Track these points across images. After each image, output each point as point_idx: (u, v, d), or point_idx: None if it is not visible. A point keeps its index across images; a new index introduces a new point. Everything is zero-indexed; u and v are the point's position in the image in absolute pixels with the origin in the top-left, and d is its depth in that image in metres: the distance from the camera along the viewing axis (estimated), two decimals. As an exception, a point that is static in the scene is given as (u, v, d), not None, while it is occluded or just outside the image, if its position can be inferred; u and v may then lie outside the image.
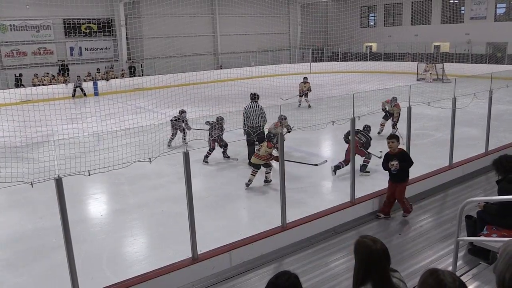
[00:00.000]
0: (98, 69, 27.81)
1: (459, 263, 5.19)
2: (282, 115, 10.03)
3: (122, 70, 28.84)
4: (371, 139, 9.74)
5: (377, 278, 2.55)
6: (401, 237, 6.32)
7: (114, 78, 27.43)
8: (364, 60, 32.84)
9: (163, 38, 30.00)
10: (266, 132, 10.05)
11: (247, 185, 8.77)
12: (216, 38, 34.02)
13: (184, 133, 11.95)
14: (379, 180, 8.30)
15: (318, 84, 21.43)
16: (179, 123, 11.84)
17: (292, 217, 6.41)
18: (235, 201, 8.18)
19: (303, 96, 18.41)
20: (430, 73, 26.52)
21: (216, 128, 10.54)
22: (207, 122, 10.93)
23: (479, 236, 5.20)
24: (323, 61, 34.69)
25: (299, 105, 18.33)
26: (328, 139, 12.96)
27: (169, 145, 11.75)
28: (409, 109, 7.78)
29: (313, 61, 34.37)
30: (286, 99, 17.38)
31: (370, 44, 37.03)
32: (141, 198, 8.55)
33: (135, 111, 17.28)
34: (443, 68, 26.67)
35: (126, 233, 7.04)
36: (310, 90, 18.50)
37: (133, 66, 29.60)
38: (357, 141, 9.16)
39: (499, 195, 5.11)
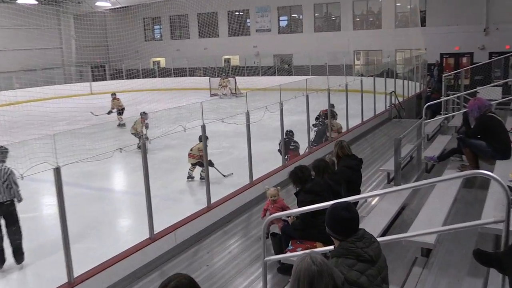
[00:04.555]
0: None
1: (269, 285, 5.50)
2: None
3: None
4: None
5: None
6: (209, 269, 6.42)
7: None
8: (152, 77, 33.26)
9: None
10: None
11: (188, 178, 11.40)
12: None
13: None
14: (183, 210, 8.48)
15: (102, 106, 20.76)
16: None
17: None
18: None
19: (117, 114, 19.19)
20: (229, 88, 28.39)
21: None
22: None
23: (286, 252, 5.58)
24: (106, 80, 33.89)
25: (119, 124, 18.83)
26: (119, 169, 12.69)
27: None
28: (203, 127, 8.06)
29: (93, 80, 33.26)
30: (97, 114, 16.55)
31: (157, 59, 37.75)
32: None
33: None
34: (235, 82, 28.79)
35: None
36: (123, 107, 19.59)
37: None
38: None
39: (298, 207, 5.58)
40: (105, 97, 20.92)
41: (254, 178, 9.23)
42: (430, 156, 8.42)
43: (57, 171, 5.71)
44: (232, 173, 11.86)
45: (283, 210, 6.25)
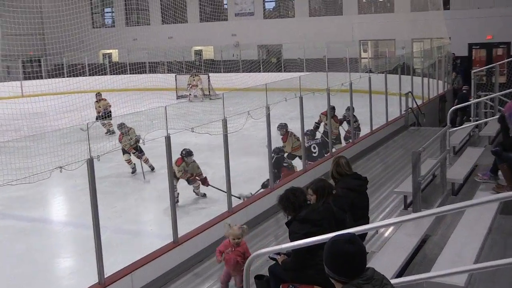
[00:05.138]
0: None
1: None
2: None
3: None
4: None
5: None
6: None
7: None
8: (102, 74, 33.14)
9: None
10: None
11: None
12: None
13: None
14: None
15: (37, 112, 20.60)
16: None
17: None
18: None
19: (103, 119, 20.14)
20: (201, 88, 28.47)
21: None
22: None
23: (275, 300, 5.57)
24: (42, 78, 33.67)
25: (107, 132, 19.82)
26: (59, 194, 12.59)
27: None
28: (168, 138, 8.06)
29: (25, 78, 33.01)
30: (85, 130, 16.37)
31: (108, 51, 37.70)
32: None
33: None
34: (208, 80, 28.85)
35: None
36: (109, 108, 20.95)
37: None
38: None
39: (290, 240, 5.56)
40: (39, 100, 20.79)
41: (234, 205, 9.22)
42: (484, 173, 8.37)
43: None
44: (251, 194, 11.60)
45: (244, 258, 6.21)
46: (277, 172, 11.63)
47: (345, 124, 15.28)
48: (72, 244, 10.55)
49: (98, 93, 22.11)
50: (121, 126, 14.47)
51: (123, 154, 14.70)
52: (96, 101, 21.77)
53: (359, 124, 15.23)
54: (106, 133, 19.63)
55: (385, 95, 15.72)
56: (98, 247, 6.75)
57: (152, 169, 14.79)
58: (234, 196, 11.11)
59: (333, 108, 13.43)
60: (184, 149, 12.32)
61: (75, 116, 19.02)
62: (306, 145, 12.91)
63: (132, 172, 14.87)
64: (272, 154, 11.56)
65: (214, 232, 8.52)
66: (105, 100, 21.68)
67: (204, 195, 12.57)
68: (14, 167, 7.66)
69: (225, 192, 10.77)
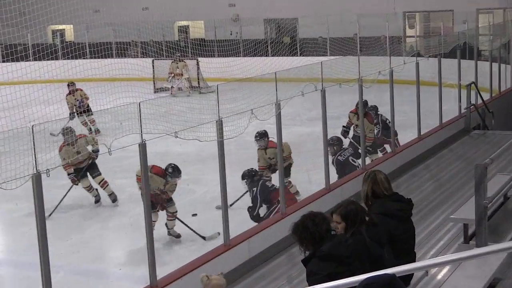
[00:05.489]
0: None
1: None
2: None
3: None
4: None
5: None
6: None
7: None
8: (52, 59, 33.16)
9: None
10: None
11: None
12: None
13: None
14: None
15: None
16: None
17: None
18: None
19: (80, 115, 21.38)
20: (187, 78, 28.59)
21: None
22: None
23: None
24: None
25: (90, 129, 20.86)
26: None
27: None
28: (143, 146, 8.18)
29: None
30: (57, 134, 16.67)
31: (61, 27, 37.78)
32: None
33: None
34: (197, 67, 28.93)
35: None
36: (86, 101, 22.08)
37: None
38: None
39: (309, 284, 5.61)
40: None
41: (232, 236, 9.29)
42: None
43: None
44: (219, 233, 11.53)
45: None
46: (268, 205, 11.76)
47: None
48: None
49: (71, 82, 22.62)
50: (67, 131, 13.58)
51: (81, 178, 14.23)
52: (69, 93, 22.32)
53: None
54: (90, 131, 20.12)
55: (438, 87, 15.75)
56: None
57: (114, 200, 14.35)
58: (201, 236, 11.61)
59: (365, 104, 13.44)
60: (170, 165, 12.28)
61: (15, 116, 19.06)
62: (340, 158, 12.99)
63: (96, 202, 14.55)
64: (245, 181, 11.81)
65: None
66: (81, 90, 22.22)
67: (179, 236, 12.38)
68: None
69: (201, 235, 11.21)
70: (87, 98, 22.00)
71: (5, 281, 10.87)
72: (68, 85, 22.55)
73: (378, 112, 15.03)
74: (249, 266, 9.35)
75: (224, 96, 9.38)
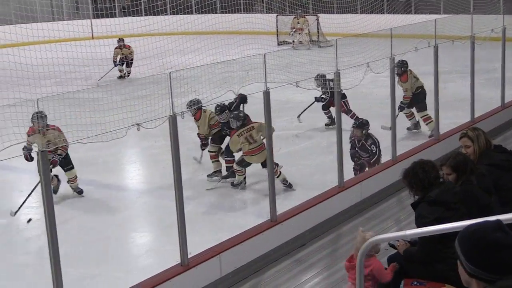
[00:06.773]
0: None
1: None
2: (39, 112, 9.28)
3: None
4: None
5: None
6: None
7: None
8: (187, 13, 33.58)
9: None
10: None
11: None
12: None
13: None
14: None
15: (109, 58, 23.05)
16: None
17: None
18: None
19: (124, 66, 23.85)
20: (308, 33, 29.12)
21: None
22: None
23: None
24: (115, 16, 34.24)
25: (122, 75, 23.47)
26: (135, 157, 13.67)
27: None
28: (267, 93, 8.55)
29: (95, 16, 33.82)
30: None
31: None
32: None
33: None
34: (317, 23, 29.10)
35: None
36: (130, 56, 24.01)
37: None
38: None
39: (417, 226, 5.93)
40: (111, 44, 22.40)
41: (345, 180, 9.75)
42: None
43: (44, 155, 6.36)
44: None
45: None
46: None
47: None
48: (150, 217, 11.21)
49: (121, 38, 24.38)
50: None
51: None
52: (118, 47, 24.09)
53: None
54: (119, 77, 22.28)
55: None
56: (181, 222, 7.43)
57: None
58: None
59: (402, 63, 13.00)
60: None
61: (154, 64, 19.84)
62: None
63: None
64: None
65: (321, 212, 9.21)
66: (129, 47, 24.23)
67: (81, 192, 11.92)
68: (84, 122, 8.32)
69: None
70: (131, 53, 24.04)
71: (145, 209, 11.54)
72: (118, 40, 24.16)
73: None
74: (361, 207, 9.77)
75: (341, 50, 9.60)
